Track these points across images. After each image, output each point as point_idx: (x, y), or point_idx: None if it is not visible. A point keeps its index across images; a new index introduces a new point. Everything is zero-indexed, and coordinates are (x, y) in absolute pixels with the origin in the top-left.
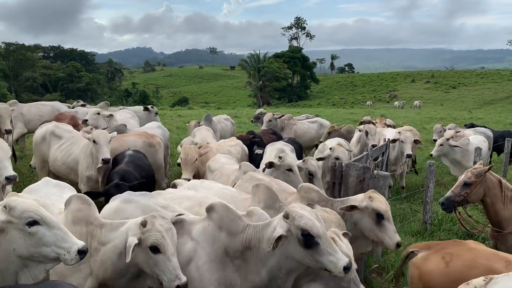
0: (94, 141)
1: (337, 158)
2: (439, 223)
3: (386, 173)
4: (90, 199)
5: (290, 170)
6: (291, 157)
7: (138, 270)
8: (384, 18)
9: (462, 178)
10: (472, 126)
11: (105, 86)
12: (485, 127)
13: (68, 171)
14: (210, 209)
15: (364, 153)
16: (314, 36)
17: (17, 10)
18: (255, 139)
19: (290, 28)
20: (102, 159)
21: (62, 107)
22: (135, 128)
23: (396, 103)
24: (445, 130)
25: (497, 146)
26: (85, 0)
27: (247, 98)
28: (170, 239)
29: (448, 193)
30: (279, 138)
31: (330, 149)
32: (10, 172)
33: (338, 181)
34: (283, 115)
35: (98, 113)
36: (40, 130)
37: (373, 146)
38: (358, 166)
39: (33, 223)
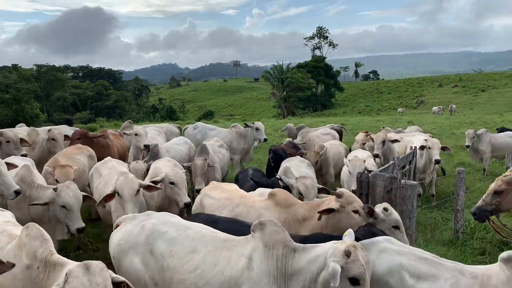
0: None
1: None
2: (472, 231)
3: (414, 182)
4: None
5: (396, 227)
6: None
7: None
8: (408, 23)
9: (492, 186)
10: (503, 130)
11: (132, 103)
12: None
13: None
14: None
15: (391, 162)
16: (337, 44)
17: (47, 33)
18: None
19: (312, 38)
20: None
21: (69, 130)
22: (162, 145)
23: (434, 108)
24: (478, 136)
25: None
26: (113, 20)
27: (272, 109)
28: (369, 272)
29: (479, 203)
30: (298, 150)
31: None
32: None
33: (365, 192)
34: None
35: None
36: None
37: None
38: (385, 176)
39: None
